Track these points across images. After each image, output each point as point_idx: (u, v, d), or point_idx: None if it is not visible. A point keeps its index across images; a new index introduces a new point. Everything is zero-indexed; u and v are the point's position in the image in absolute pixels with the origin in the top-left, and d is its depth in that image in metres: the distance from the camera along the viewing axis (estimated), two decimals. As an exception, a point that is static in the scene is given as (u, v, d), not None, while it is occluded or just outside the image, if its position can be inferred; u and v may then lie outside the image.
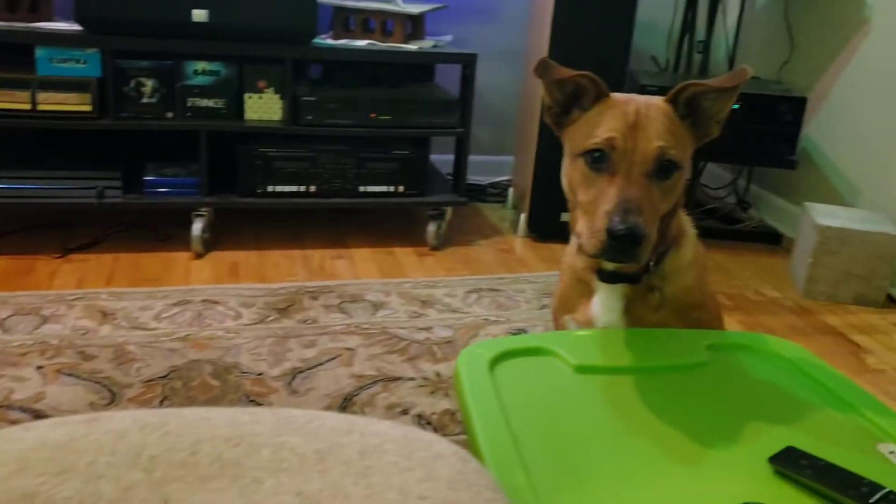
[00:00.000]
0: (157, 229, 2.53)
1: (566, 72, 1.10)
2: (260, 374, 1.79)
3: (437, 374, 1.84)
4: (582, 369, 0.97)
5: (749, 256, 2.77)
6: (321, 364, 1.86)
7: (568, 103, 1.13)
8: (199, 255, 2.39)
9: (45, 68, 2.17)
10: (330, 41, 2.50)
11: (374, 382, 1.80)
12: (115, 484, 0.58)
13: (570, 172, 1.09)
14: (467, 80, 2.48)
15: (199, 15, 2.18)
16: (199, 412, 0.67)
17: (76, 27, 2.21)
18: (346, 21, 2.57)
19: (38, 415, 1.57)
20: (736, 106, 2.49)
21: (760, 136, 2.65)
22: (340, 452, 0.63)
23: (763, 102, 2.63)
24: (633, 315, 1.15)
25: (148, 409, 0.73)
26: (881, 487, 0.79)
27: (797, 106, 2.63)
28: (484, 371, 0.93)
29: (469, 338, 2.03)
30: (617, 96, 1.10)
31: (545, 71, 1.10)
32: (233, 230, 2.59)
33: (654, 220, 1.01)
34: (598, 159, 1.03)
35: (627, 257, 0.98)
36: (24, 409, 1.59)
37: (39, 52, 2.16)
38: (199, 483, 0.59)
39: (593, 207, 1.01)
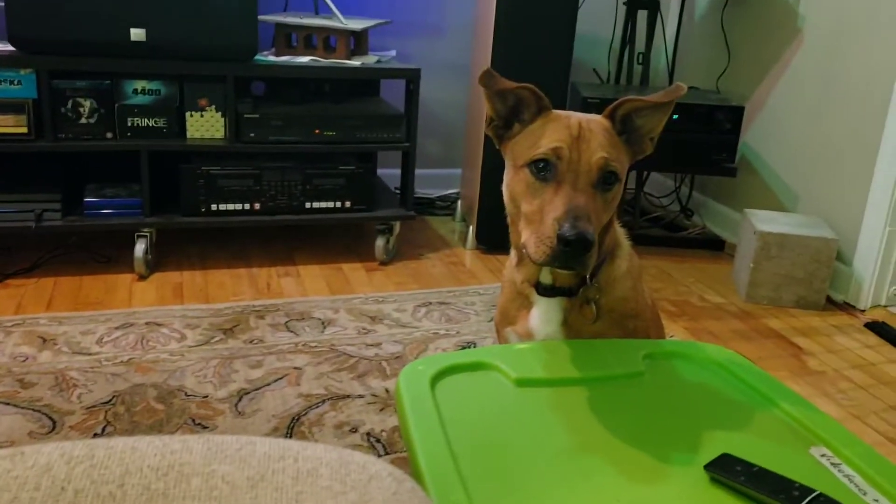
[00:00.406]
0: (98, 251, 2.48)
1: (509, 83, 1.12)
2: (205, 397, 1.76)
3: (387, 391, 1.83)
4: (522, 382, 0.97)
5: (693, 263, 2.83)
6: (268, 385, 1.84)
7: (510, 116, 1.15)
8: (142, 277, 2.34)
9: (-23, 90, 2.11)
10: (272, 58, 2.49)
11: (323, 401, 1.78)
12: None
13: (513, 184, 1.10)
14: (412, 94, 2.49)
15: (137, 34, 2.15)
16: (128, 441, 0.66)
17: (9, 48, 2.16)
18: (287, 37, 2.56)
19: (-28, 447, 1.52)
20: (675, 116, 2.55)
21: (701, 144, 2.71)
22: (273, 479, 0.63)
23: (702, 112, 2.70)
24: (571, 326, 1.16)
25: (78, 440, 0.72)
26: (812, 490, 0.81)
27: (735, 115, 2.70)
28: (425, 388, 0.93)
29: (419, 352, 2.03)
30: (558, 111, 1.13)
31: (489, 80, 1.12)
32: (177, 250, 2.55)
33: (598, 228, 1.03)
34: (544, 169, 1.05)
35: (577, 263, 0.99)
36: (-43, 442, 1.53)
37: (-30, 73, 2.10)
38: (125, 516, 0.58)
39: (539, 216, 1.03)
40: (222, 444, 0.67)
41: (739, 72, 3.04)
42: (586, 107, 2.56)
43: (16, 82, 2.14)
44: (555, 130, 1.07)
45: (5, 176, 2.35)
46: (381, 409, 1.75)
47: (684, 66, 3.34)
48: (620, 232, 1.22)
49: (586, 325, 1.15)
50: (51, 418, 1.63)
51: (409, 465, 0.87)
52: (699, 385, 1.04)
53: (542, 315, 1.17)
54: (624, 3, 3.16)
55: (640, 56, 3.16)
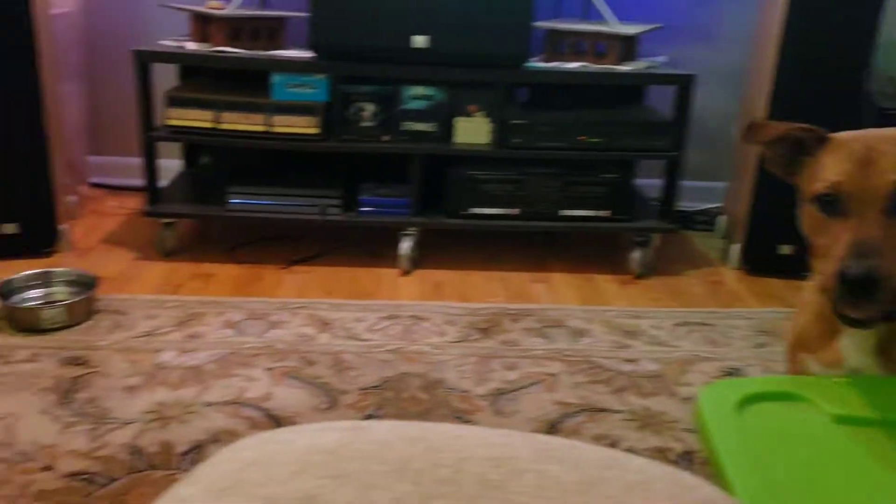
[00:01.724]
0: (368, 246, 2.65)
1: (776, 129, 1.09)
2: (465, 392, 1.81)
3: (646, 409, 1.77)
4: (842, 419, 0.88)
5: None
6: (524, 387, 1.85)
7: (791, 155, 1.10)
8: (406, 273, 2.47)
9: (280, 93, 2.35)
10: (541, 64, 2.51)
11: (579, 411, 1.76)
12: (387, 493, 0.60)
13: (803, 217, 1.07)
14: (683, 101, 2.39)
15: (420, 41, 2.27)
16: (451, 429, 0.68)
17: (307, 54, 2.38)
18: (557, 43, 2.57)
19: (268, 413, 1.69)
20: None
21: None
22: (603, 487, 0.61)
23: None
24: (890, 357, 1.04)
25: (403, 420, 0.74)
26: None
27: None
28: (730, 412, 0.87)
29: (679, 374, 1.94)
30: (841, 136, 1.05)
31: (753, 135, 1.11)
32: (437, 250, 2.66)
33: None
34: (829, 203, 1.00)
35: (866, 303, 0.92)
36: (255, 407, 1.71)
37: (275, 79, 2.34)
38: (465, 502, 0.59)
39: (826, 252, 0.98)
40: (548, 443, 0.67)
41: None
42: (883, 118, 2.30)
43: (311, 87, 2.35)
44: (836, 161, 1.00)
45: (296, 172, 2.59)
46: (641, 428, 1.69)
47: None
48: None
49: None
50: (330, 396, 1.77)
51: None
52: None
53: (854, 344, 1.06)
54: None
55: (946, 64, 2.78)
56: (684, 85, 2.39)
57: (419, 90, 2.40)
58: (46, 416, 1.64)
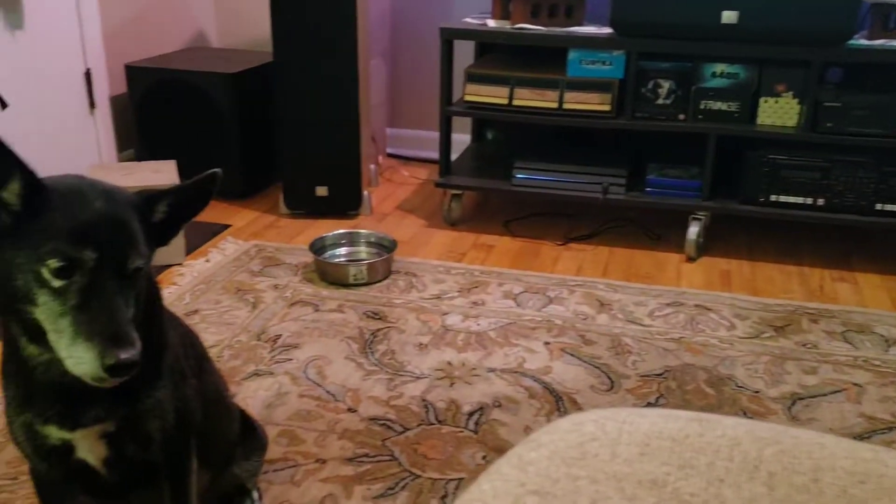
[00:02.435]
0: (650, 228, 2.58)
1: None
2: (756, 392, 1.70)
3: (979, 438, 1.53)
4: None
5: None
6: (824, 395, 1.69)
7: None
8: (690, 259, 2.37)
9: (575, 69, 2.34)
10: (863, 41, 2.25)
11: (889, 429, 1.57)
12: (736, 492, 0.57)
13: None
14: None
15: (729, 16, 2.14)
16: (812, 435, 0.63)
17: (605, 31, 2.35)
18: (885, 19, 2.28)
19: (547, 387, 1.71)
20: None
21: None
22: None
23: None
24: None
25: (757, 420, 0.70)
26: None
27: None
28: None
29: None
30: None
31: None
32: (726, 236, 2.51)
33: None
34: None
35: None
36: (535, 379, 1.74)
37: (572, 55, 2.34)
38: (830, 516, 0.54)
39: None
40: (925, 466, 0.59)
41: None
42: None
43: (607, 63, 2.32)
44: None
45: (582, 150, 2.59)
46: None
47: None
48: None
49: None
50: (609, 378, 1.75)
51: None
52: None
53: None
54: None
55: None
56: None
57: (721, 67, 2.27)
58: (351, 362, 1.80)
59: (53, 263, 0.78)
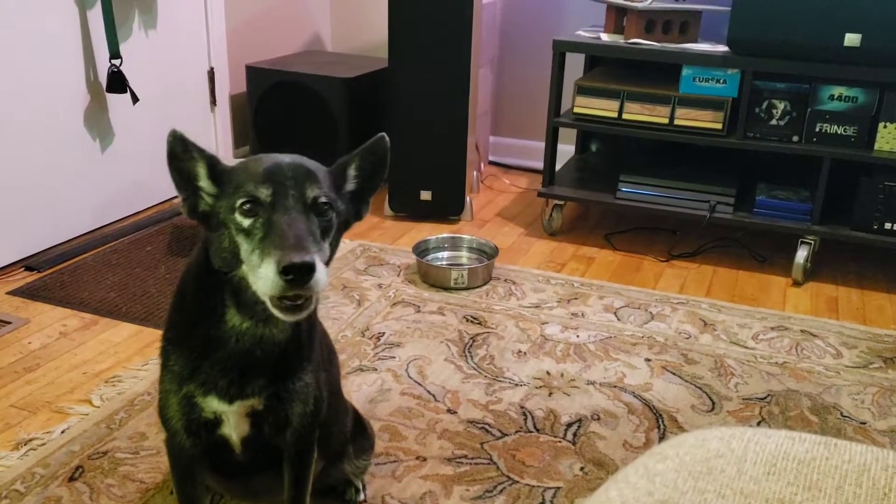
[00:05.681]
0: (755, 249, 2.54)
1: None
2: (863, 423, 1.66)
3: None
4: None
5: None
6: (937, 433, 1.64)
7: None
8: (796, 283, 2.32)
9: (688, 86, 2.33)
10: None
11: None
12: (865, 518, 0.58)
13: None
14: None
15: (852, 39, 2.09)
16: (943, 470, 0.63)
17: (720, 48, 2.33)
18: None
19: (647, 403, 1.72)
20: None
21: None
22: None
23: None
24: None
25: (880, 447, 0.71)
26: None
27: None
28: None
29: None
30: None
31: None
32: (834, 262, 2.45)
33: None
34: None
35: None
36: (635, 395, 1.75)
37: (686, 71, 2.33)
38: (964, 551, 0.55)
39: None
40: None
41: None
42: None
43: (721, 81, 2.30)
44: None
45: (690, 167, 2.57)
46: None
47: None
48: None
49: None
50: (710, 399, 1.74)
51: None
52: None
53: None
54: None
55: None
56: None
57: (840, 90, 2.21)
58: (451, 364, 1.85)
59: (240, 204, 0.88)
